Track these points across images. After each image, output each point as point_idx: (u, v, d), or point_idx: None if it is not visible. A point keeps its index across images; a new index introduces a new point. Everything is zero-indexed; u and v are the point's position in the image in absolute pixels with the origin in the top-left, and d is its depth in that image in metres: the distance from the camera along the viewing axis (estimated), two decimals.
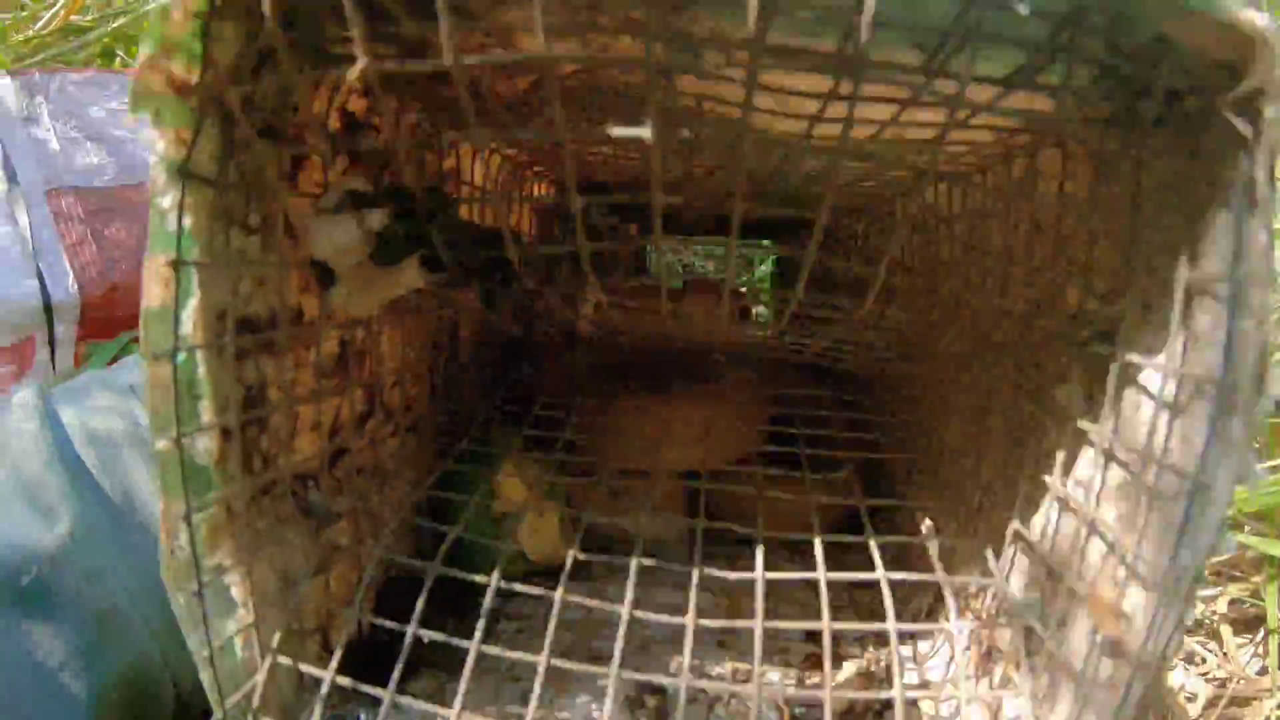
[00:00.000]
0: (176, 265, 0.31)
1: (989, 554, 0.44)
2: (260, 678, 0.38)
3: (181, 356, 0.33)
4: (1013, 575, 0.42)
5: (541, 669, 0.37)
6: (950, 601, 0.39)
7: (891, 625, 0.38)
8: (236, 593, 0.36)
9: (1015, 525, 0.42)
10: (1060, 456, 0.38)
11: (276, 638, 0.38)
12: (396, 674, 0.36)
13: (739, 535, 0.45)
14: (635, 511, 0.61)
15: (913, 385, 0.66)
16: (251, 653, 0.37)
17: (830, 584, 0.61)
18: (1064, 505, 0.37)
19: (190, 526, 0.33)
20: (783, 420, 0.64)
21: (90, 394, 0.49)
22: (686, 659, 0.36)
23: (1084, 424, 0.36)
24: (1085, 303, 0.37)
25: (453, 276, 0.40)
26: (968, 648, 0.42)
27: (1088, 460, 0.36)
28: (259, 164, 0.35)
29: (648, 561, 0.41)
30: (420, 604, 0.39)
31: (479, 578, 0.40)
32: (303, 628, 0.41)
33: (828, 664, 0.36)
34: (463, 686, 0.36)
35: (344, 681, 0.38)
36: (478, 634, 0.38)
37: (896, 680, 0.36)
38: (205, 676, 0.35)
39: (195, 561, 0.34)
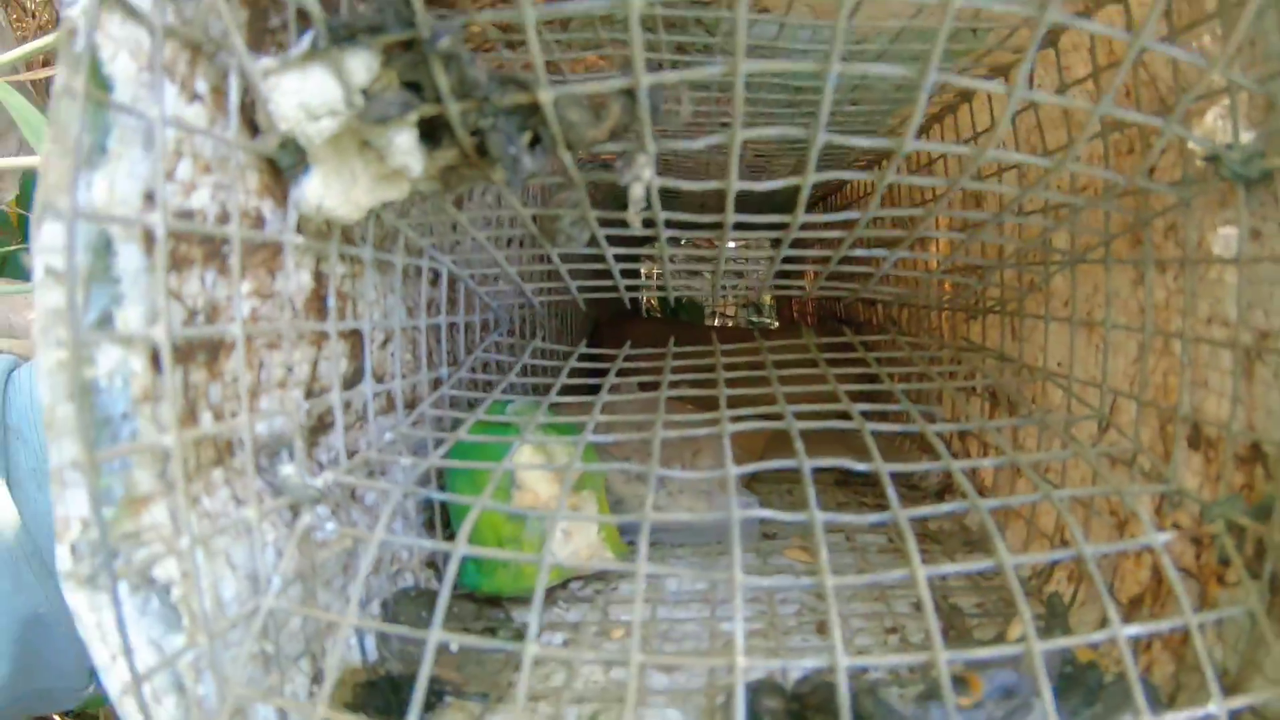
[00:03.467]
0: (87, 98, 0.21)
1: (1146, 461, 0.36)
2: None
3: (92, 230, 0.23)
4: (1185, 476, 0.34)
5: (636, 667, 0.25)
6: (1143, 514, 0.29)
7: (1088, 550, 0.27)
8: (177, 597, 0.25)
9: (1183, 413, 0.34)
10: (1231, 309, 0.31)
11: (243, 666, 0.27)
12: (419, 700, 0.25)
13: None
14: (687, 499, 0.50)
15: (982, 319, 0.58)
16: (205, 688, 0.26)
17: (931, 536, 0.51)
18: (1250, 363, 0.30)
19: (95, 487, 0.22)
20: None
21: None
22: (838, 637, 0.25)
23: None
24: (1228, 137, 0.30)
25: (463, 155, 0.30)
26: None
27: (1271, 296, 0.29)
28: (208, 10, 0.26)
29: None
30: (442, 603, 0.27)
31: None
32: (280, 653, 0.29)
33: (1024, 605, 0.26)
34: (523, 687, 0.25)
35: None
36: (531, 637, 0.26)
37: (1113, 618, 0.25)
38: (134, 710, 0.24)
39: (102, 537, 0.22)
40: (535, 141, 0.30)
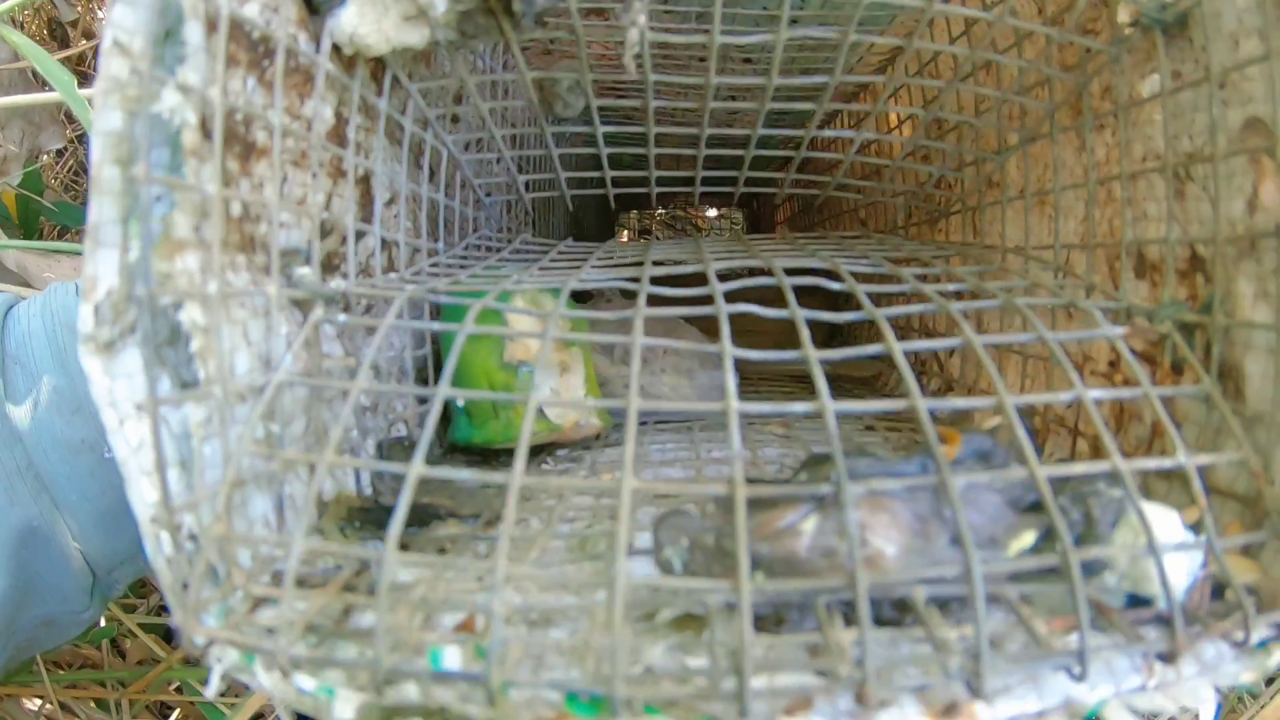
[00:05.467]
0: None
1: (1100, 293, 0.41)
2: (224, 491, 0.28)
3: (158, 10, 0.25)
4: (1134, 299, 0.39)
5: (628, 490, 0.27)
6: (1096, 312, 0.33)
7: (1052, 336, 0.30)
8: (197, 348, 0.27)
9: (1127, 242, 0.39)
10: (1160, 142, 0.37)
11: (248, 444, 0.29)
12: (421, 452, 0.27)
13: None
14: (668, 375, 0.53)
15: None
16: (210, 449, 0.28)
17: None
18: (1180, 183, 0.36)
19: (146, 195, 0.25)
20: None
21: None
22: (824, 389, 0.28)
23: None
24: None
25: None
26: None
27: (1192, 122, 0.35)
28: None
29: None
30: (426, 436, 0.28)
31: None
32: (283, 439, 0.31)
33: (997, 376, 0.29)
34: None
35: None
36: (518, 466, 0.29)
37: (1077, 382, 0.28)
38: (139, 471, 0.25)
39: (144, 260, 0.24)
40: None
